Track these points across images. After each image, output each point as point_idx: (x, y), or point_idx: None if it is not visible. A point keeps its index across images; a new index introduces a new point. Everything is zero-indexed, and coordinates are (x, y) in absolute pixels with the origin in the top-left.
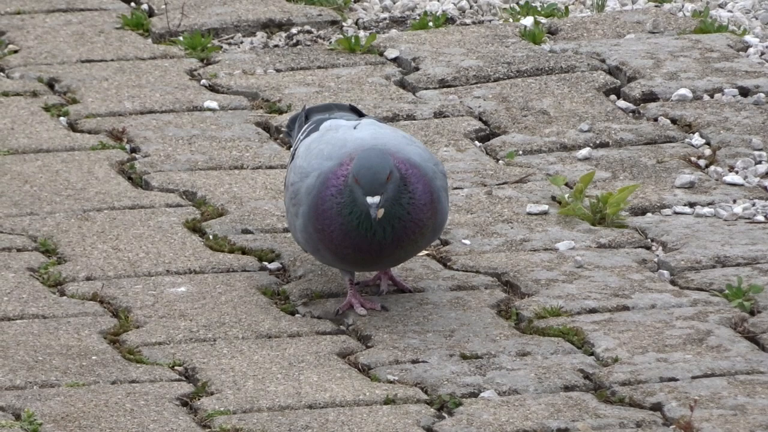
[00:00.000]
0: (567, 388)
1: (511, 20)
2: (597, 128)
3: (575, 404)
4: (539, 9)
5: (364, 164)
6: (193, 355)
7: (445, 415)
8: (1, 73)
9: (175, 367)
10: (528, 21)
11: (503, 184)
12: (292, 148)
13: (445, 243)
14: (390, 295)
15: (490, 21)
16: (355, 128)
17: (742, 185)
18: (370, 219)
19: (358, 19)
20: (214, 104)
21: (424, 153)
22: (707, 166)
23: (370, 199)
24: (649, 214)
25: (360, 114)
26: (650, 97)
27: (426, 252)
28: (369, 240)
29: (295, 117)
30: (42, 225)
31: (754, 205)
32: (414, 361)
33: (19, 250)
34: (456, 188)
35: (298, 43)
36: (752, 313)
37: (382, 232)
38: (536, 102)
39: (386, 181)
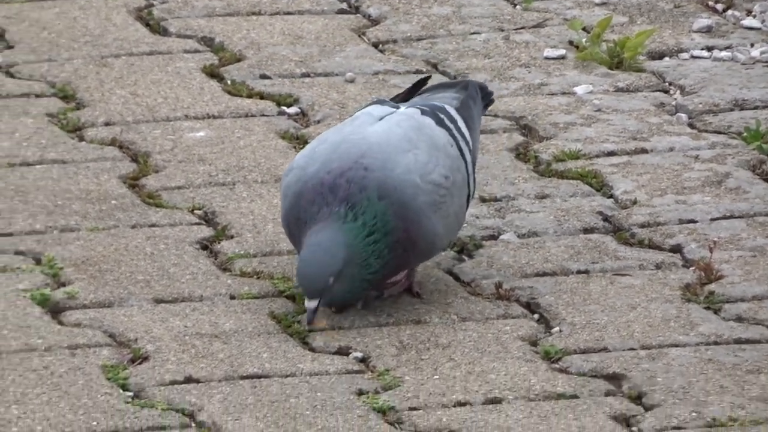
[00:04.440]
0: (586, 231)
1: None
2: None
3: (594, 246)
4: None
5: (300, 267)
6: (213, 199)
7: (465, 258)
8: None
9: (195, 211)
10: None
11: (521, 28)
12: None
13: None
14: None
15: None
16: (380, 119)
17: (759, 29)
18: None
19: None
20: None
21: (417, 164)
22: (725, 10)
23: (306, 302)
24: (666, 58)
25: (485, 95)
26: None
27: None
28: None
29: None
30: (60, 71)
31: None
32: None
33: (37, 96)
34: (473, 33)
35: None
36: None
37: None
38: None
39: (324, 286)
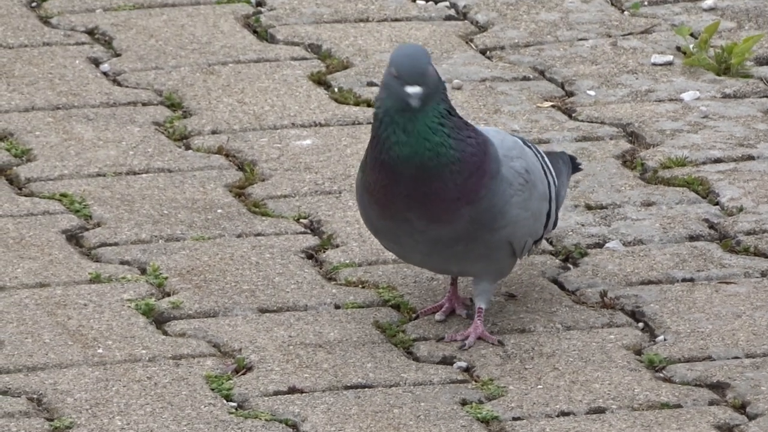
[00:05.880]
0: (692, 238)
1: None
2: None
3: (700, 254)
4: None
5: (401, 53)
6: (319, 208)
7: (570, 266)
8: None
9: (301, 220)
10: None
11: (628, 34)
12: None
13: (570, 94)
14: None
15: None
16: None
17: None
18: (392, 124)
19: None
20: None
21: (503, 145)
22: None
23: (409, 89)
24: None
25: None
26: None
27: (551, 103)
28: (386, 157)
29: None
30: (167, 79)
31: None
32: None
33: (144, 104)
34: (581, 39)
35: None
36: None
37: (400, 143)
38: None
39: (426, 73)
